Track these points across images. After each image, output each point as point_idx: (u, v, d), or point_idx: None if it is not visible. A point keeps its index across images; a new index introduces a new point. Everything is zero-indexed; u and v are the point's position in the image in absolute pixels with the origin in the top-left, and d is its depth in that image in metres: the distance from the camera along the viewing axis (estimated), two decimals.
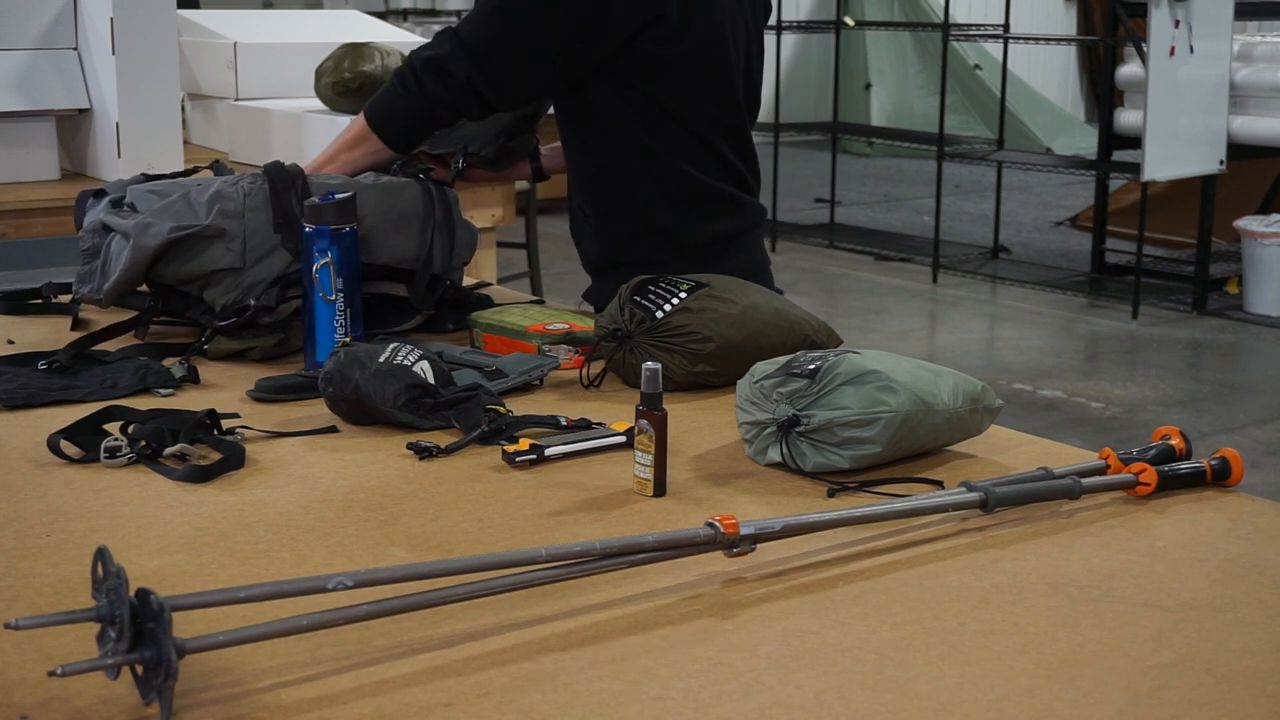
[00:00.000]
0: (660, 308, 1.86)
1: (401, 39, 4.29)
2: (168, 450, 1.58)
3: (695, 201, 2.19)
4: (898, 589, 1.28)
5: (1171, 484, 1.51)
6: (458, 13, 10.52)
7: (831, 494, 1.51)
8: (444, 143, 2.30)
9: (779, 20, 8.65)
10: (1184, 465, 1.53)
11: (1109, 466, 1.54)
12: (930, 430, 1.59)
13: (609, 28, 2.05)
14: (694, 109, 2.15)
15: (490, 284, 2.48)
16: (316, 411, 1.77)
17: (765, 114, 7.02)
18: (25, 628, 1.02)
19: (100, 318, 2.17)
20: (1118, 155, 7.61)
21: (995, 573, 1.31)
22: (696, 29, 2.10)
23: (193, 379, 1.88)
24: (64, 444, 1.60)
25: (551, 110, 2.28)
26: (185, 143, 3.74)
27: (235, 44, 4.01)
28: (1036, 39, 8.64)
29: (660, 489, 1.50)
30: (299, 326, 1.97)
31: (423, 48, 2.14)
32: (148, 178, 2.16)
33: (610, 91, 2.13)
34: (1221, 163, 6.92)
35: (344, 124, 3.40)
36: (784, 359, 1.63)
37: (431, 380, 1.72)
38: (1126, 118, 7.46)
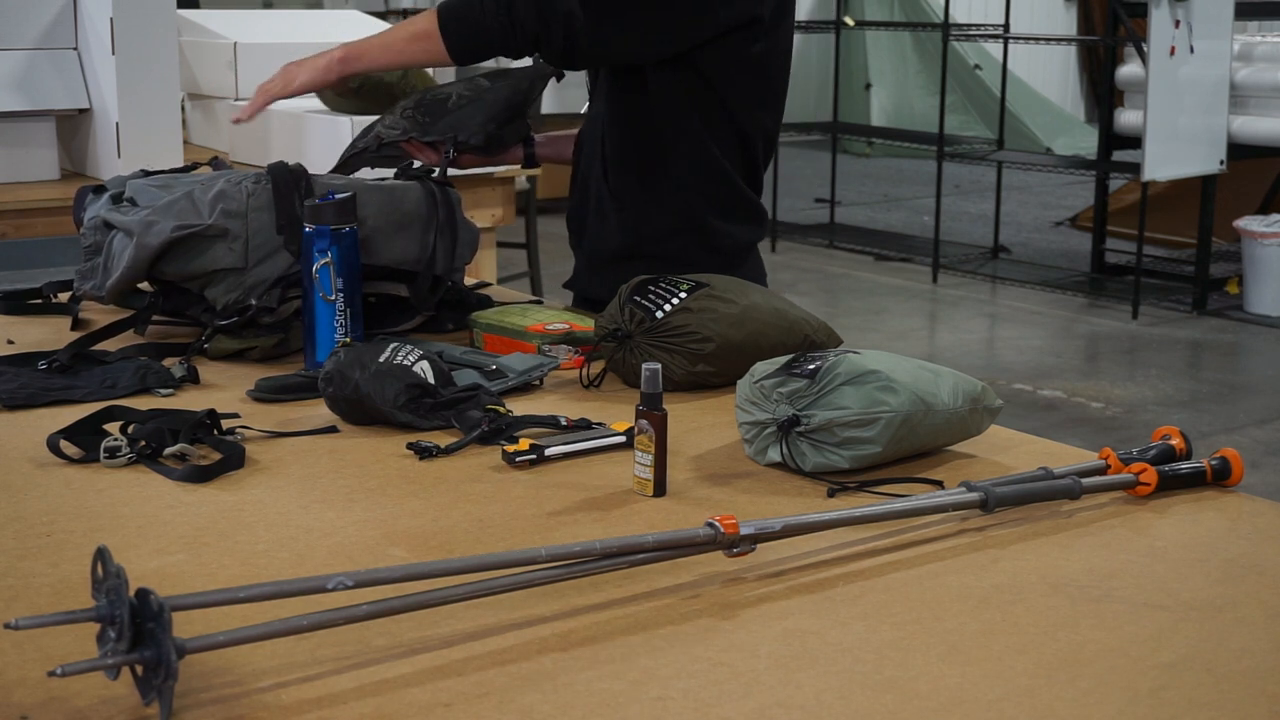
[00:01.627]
0: (660, 308, 1.86)
1: None
2: (168, 450, 1.58)
3: (732, 206, 2.20)
4: (898, 589, 1.28)
5: (1171, 484, 1.51)
6: None
7: (831, 494, 1.51)
8: (434, 130, 2.28)
9: None
10: (1184, 465, 1.53)
11: (1109, 466, 1.54)
12: (930, 430, 1.59)
13: (717, 11, 2.06)
14: (754, 113, 2.17)
15: (490, 284, 2.48)
16: (316, 411, 1.77)
17: None
18: (25, 628, 1.02)
19: (100, 317, 2.17)
20: (1118, 155, 7.61)
21: (995, 573, 1.31)
22: (780, 33, 2.14)
23: (193, 379, 1.88)
24: (64, 444, 1.60)
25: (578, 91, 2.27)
26: (185, 143, 3.74)
27: (235, 44, 4.01)
28: (1036, 39, 8.64)
29: (660, 489, 1.50)
30: (299, 326, 1.97)
31: None
32: (147, 174, 2.16)
33: (679, 81, 2.12)
34: (1221, 163, 6.92)
35: (344, 125, 3.42)
36: (784, 359, 1.63)
37: (431, 380, 1.72)
38: (1126, 118, 7.46)
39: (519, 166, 2.46)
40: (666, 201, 2.18)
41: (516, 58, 2.16)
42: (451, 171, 2.24)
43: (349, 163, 2.32)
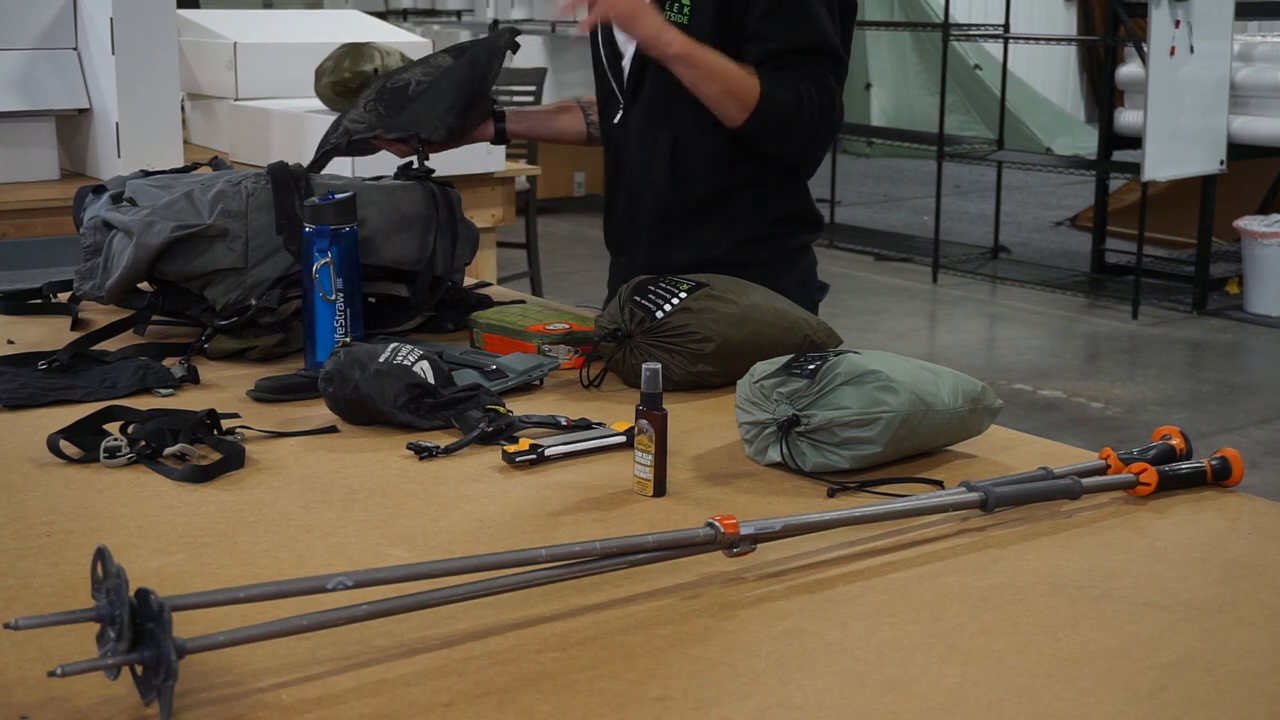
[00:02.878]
0: (660, 308, 1.86)
1: (401, 39, 4.29)
2: (168, 450, 1.58)
3: (801, 210, 2.22)
4: (898, 589, 1.28)
5: (1171, 484, 1.51)
6: (457, 13, 10.49)
7: (831, 494, 1.51)
8: (395, 125, 2.22)
9: None
10: (1184, 465, 1.53)
11: (1109, 466, 1.54)
12: (930, 430, 1.59)
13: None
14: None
15: (490, 284, 2.48)
16: (316, 411, 1.77)
17: None
18: (25, 628, 1.02)
19: (100, 317, 2.17)
20: (1118, 155, 7.61)
21: (995, 573, 1.31)
22: (850, 31, 2.17)
23: (193, 379, 1.88)
24: (64, 444, 1.60)
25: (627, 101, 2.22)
26: (185, 143, 3.74)
27: (235, 44, 4.01)
28: (1036, 39, 8.65)
29: (660, 489, 1.50)
30: (299, 326, 1.97)
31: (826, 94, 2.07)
32: (147, 174, 2.16)
33: None
34: (1221, 163, 6.91)
35: None
36: (784, 359, 1.63)
37: (431, 380, 1.72)
38: (1126, 118, 7.45)
39: (490, 143, 2.42)
40: (746, 213, 2.18)
41: None
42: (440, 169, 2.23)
43: (322, 159, 2.28)
